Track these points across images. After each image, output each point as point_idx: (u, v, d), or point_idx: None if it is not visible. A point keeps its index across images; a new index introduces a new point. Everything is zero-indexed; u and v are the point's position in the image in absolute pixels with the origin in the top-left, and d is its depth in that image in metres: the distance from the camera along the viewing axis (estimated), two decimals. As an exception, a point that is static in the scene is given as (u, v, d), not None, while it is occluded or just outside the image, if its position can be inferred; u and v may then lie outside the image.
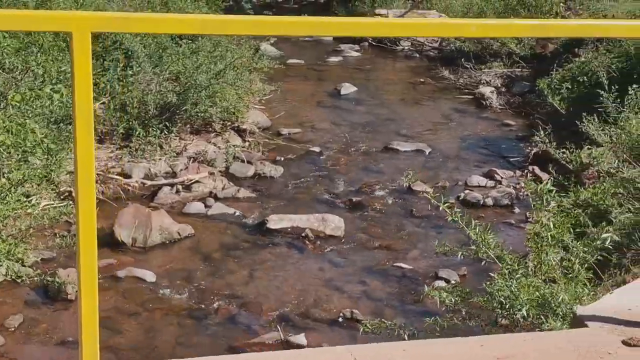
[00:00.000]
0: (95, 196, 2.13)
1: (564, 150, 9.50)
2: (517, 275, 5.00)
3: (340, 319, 6.61)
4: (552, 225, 5.15)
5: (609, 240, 5.58)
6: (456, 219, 5.32)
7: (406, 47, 16.53)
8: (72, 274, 6.67)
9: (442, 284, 7.21)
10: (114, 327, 6.40)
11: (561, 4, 15.40)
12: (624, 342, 2.38)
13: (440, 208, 5.41)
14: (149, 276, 7.04)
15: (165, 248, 7.66)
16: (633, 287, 2.86)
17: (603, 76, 9.61)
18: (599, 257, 5.58)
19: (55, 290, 6.68)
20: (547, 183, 6.05)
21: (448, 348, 2.34)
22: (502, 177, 9.84)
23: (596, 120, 9.35)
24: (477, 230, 5.27)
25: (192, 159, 9.65)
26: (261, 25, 2.11)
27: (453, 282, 7.28)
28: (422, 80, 14.32)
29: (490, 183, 9.69)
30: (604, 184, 8.25)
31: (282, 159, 10.15)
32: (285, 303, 6.82)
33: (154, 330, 6.41)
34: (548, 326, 4.77)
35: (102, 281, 6.95)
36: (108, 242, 7.60)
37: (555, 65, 12.61)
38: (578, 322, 2.54)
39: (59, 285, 6.66)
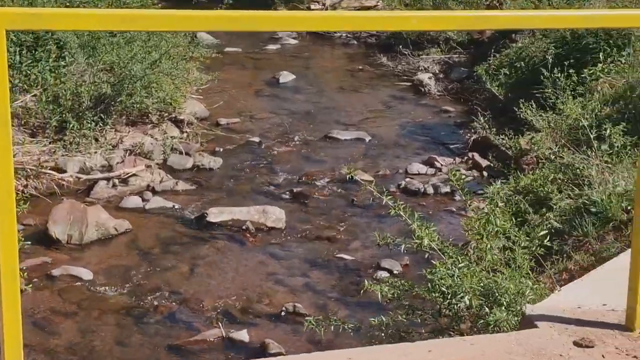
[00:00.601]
0: (14, 193, 2.00)
1: (503, 136, 9.52)
2: (460, 265, 4.94)
3: (282, 314, 6.51)
4: (492, 218, 5.09)
5: (547, 239, 5.57)
6: (399, 212, 5.25)
7: (344, 34, 16.45)
8: None
9: (384, 274, 7.17)
10: (50, 328, 6.21)
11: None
12: (575, 343, 2.32)
13: (384, 202, 5.32)
14: (85, 274, 6.86)
15: (102, 244, 7.47)
16: (580, 283, 2.81)
17: (549, 59, 9.67)
18: (540, 245, 5.58)
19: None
20: (461, 177, 6.01)
21: (395, 355, 2.26)
22: (442, 165, 9.83)
23: (534, 105, 9.37)
24: (420, 223, 5.20)
25: (128, 151, 9.44)
26: (193, 20, 1.99)
27: (396, 272, 7.25)
28: (360, 67, 14.25)
29: (431, 171, 9.68)
30: (543, 169, 8.28)
31: (221, 149, 9.99)
32: (226, 298, 6.70)
33: (91, 330, 6.23)
34: (493, 316, 4.73)
35: (37, 281, 6.76)
36: (42, 239, 7.39)
37: (492, 50, 12.66)
38: (527, 322, 2.47)
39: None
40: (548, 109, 9.45)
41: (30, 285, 6.58)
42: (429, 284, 4.87)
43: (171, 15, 1.97)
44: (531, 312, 2.54)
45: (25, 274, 6.66)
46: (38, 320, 6.26)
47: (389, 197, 5.41)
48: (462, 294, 4.65)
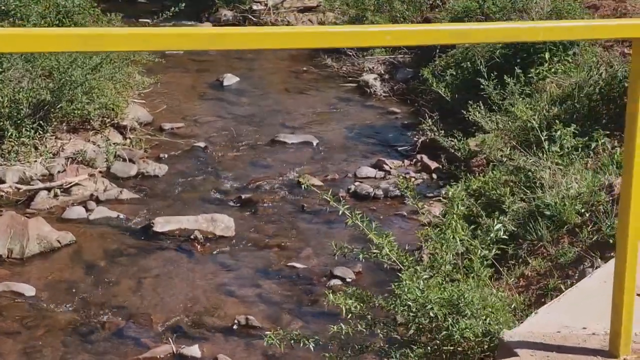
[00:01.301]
0: None
1: (452, 138, 9.45)
2: (423, 275, 4.82)
3: (235, 327, 6.32)
4: (449, 227, 4.99)
5: (502, 232, 5.51)
6: (356, 221, 5.10)
7: (287, 35, 16.28)
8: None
9: (337, 282, 7.04)
10: (-9, 349, 5.93)
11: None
12: (559, 373, 2.20)
13: (340, 212, 5.17)
14: (28, 290, 6.58)
15: (45, 258, 7.19)
16: (557, 305, 2.69)
17: (481, 64, 9.63)
18: (495, 251, 5.50)
19: None
20: (412, 182, 5.97)
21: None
22: (390, 167, 9.73)
23: (482, 107, 9.32)
24: (378, 233, 5.07)
25: (70, 159, 9.14)
26: (147, 39, 1.81)
27: (349, 280, 7.11)
28: (304, 68, 14.10)
29: (380, 174, 9.56)
30: (494, 172, 8.22)
31: (166, 156, 9.75)
32: (175, 312, 6.48)
33: (35, 350, 5.97)
34: (459, 327, 4.62)
35: (-24, 299, 6.46)
36: (-19, 254, 7.09)
37: (437, 51, 12.61)
38: (506, 349, 2.34)
39: None
40: (496, 110, 9.41)
41: (-30, 304, 6.30)
42: (395, 299, 4.73)
43: (141, 34, 1.79)
44: (510, 338, 2.41)
45: (-36, 292, 6.39)
46: (-22, 341, 5.99)
47: (344, 205, 5.26)
48: (429, 306, 4.53)
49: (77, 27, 10.84)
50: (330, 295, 4.97)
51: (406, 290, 4.65)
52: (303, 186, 5.82)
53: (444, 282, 4.90)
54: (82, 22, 10.90)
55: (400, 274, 5.29)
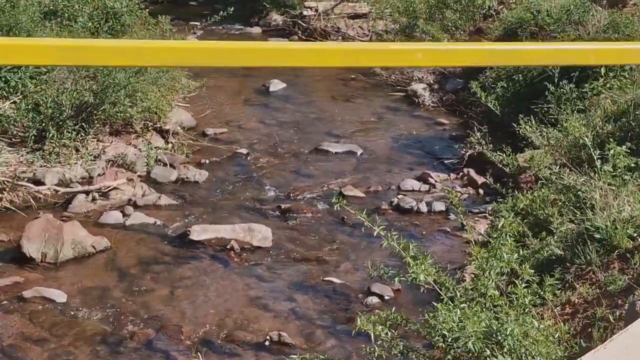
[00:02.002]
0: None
1: (500, 152, 9.16)
2: (461, 304, 4.58)
3: (267, 343, 6.13)
4: (497, 253, 4.73)
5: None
6: (392, 243, 4.88)
7: (336, 41, 16.09)
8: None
9: (375, 300, 6.82)
10: (18, 356, 5.81)
11: (494, -1, 15.12)
12: None
13: (375, 234, 4.96)
14: (59, 296, 6.46)
15: (78, 263, 7.08)
16: (605, 353, 2.45)
17: (553, 73, 9.32)
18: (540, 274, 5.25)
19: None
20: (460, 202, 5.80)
21: None
22: (436, 181, 9.47)
23: (533, 121, 9.02)
24: (415, 255, 4.84)
25: (110, 162, 9.05)
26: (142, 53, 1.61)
27: (387, 297, 6.88)
28: (352, 76, 13.89)
29: (424, 187, 9.31)
30: (543, 190, 7.93)
31: (207, 161, 9.62)
32: (207, 325, 6.31)
33: (63, 358, 5.84)
34: None
35: (7, 303, 6.37)
36: (15, 257, 7.00)
37: (489, 62, 12.32)
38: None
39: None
40: (548, 124, 9.12)
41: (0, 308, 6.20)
42: (430, 329, 4.50)
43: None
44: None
45: (-5, 295, 6.31)
46: (6, 348, 5.87)
47: (381, 226, 5.04)
48: (465, 339, 4.29)
49: (124, 27, 10.78)
50: (360, 320, 4.73)
51: (441, 320, 4.42)
52: (336, 206, 5.56)
53: (483, 310, 4.65)
54: (129, 23, 10.82)
55: (439, 293, 5.07)
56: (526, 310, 4.75)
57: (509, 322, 4.53)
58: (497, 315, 4.79)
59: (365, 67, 1.62)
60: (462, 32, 14.54)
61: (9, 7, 9.83)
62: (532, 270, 5.07)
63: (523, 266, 5.04)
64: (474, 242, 7.22)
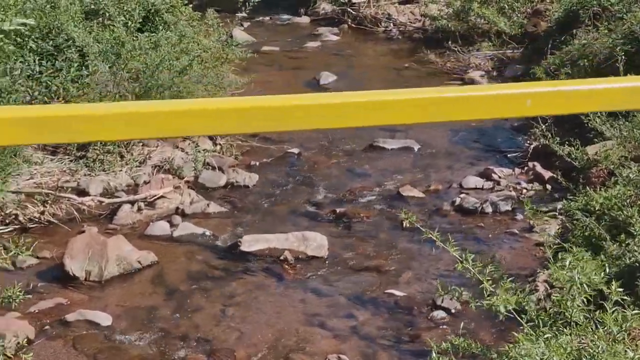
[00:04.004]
0: None
1: (567, 145, 8.58)
2: (544, 334, 4.08)
3: (326, 367, 5.67)
4: (579, 272, 4.21)
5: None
6: (467, 266, 4.38)
7: (387, 28, 15.52)
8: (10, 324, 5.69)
9: (441, 314, 6.31)
10: (61, 388, 5.45)
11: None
12: None
13: (452, 252, 4.46)
14: (104, 319, 6.07)
15: (124, 281, 6.68)
16: None
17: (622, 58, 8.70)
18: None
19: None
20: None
21: None
22: (499, 177, 8.90)
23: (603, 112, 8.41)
24: (493, 281, 4.34)
25: (156, 167, 8.66)
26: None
27: (454, 311, 6.37)
28: (406, 65, 13.35)
29: (488, 184, 8.75)
30: (618, 186, 7.35)
31: (257, 163, 9.18)
32: (261, 347, 5.87)
33: (108, 389, 5.46)
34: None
35: (49, 328, 6.00)
36: (57, 276, 6.63)
37: (549, 45, 11.67)
38: None
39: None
40: (618, 114, 8.50)
41: (42, 334, 5.84)
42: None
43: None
44: None
45: (37, 320, 5.94)
46: (48, 379, 5.51)
47: (455, 248, 4.54)
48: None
49: (167, 25, 10.37)
50: (433, 354, 4.24)
51: (524, 353, 3.91)
52: (405, 223, 5.08)
53: (568, 339, 4.14)
54: (172, 21, 10.41)
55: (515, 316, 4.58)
56: (617, 338, 4.23)
57: (599, 353, 4.02)
58: (582, 342, 4.28)
59: (459, 120, 1.24)
60: (518, 15, 13.87)
61: (50, 8, 9.48)
62: (621, 289, 4.52)
63: (611, 286, 4.50)
64: (546, 247, 6.67)
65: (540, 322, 4.26)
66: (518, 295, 4.47)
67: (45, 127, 1.10)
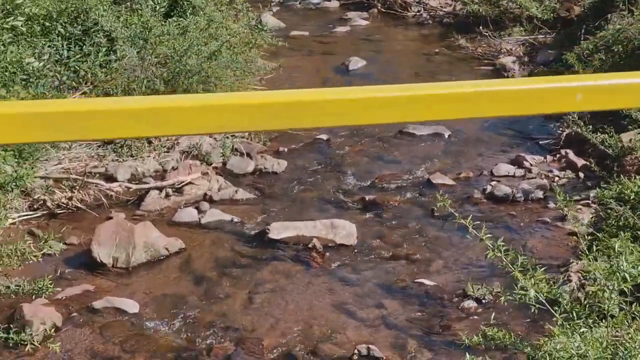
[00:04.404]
0: None
1: (601, 132, 8.42)
2: (579, 328, 3.97)
3: (355, 357, 5.59)
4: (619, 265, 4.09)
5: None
6: (499, 254, 4.28)
7: (418, 13, 15.34)
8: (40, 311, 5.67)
9: (472, 304, 6.21)
10: (88, 376, 5.42)
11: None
12: None
13: (481, 239, 4.36)
14: (131, 306, 6.03)
15: (151, 268, 6.64)
16: None
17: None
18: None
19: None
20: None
21: None
22: (531, 164, 8.76)
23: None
24: (524, 270, 4.23)
25: (184, 153, 8.60)
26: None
27: (485, 301, 6.26)
28: (436, 50, 13.17)
29: (519, 172, 8.61)
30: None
31: (286, 150, 9.09)
32: (289, 337, 5.81)
33: (135, 377, 5.42)
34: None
35: (77, 315, 5.97)
36: (85, 262, 6.60)
37: (583, 31, 11.47)
38: None
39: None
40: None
41: (69, 321, 5.81)
42: (546, 355, 3.90)
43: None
44: None
45: (65, 307, 5.92)
46: (75, 367, 5.48)
47: (487, 235, 4.43)
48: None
49: (195, 9, 10.29)
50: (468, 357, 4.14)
51: (559, 347, 3.81)
52: (440, 204, 4.97)
53: (607, 332, 4.03)
54: (200, 4, 10.33)
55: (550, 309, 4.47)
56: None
57: (636, 347, 3.90)
58: (618, 336, 4.17)
59: (499, 116, 1.17)
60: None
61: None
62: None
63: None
64: (580, 237, 6.55)
65: (575, 314, 4.15)
66: (551, 285, 4.36)
67: (61, 123, 1.02)
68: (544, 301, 4.23)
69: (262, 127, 1.19)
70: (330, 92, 1.19)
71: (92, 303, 6.04)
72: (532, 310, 4.40)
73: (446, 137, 9.60)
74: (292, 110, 1.16)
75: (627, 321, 4.19)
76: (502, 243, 4.47)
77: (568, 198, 7.48)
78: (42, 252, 6.35)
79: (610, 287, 4.30)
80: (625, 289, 4.35)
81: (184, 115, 1.13)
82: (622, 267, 4.09)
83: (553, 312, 4.21)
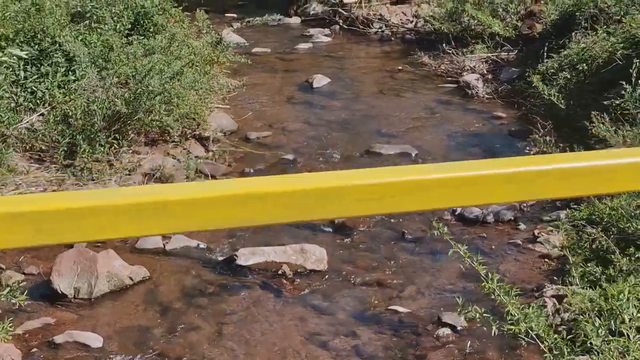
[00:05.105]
0: None
1: (569, 152, 8.34)
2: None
3: (329, 390, 5.41)
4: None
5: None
6: (492, 286, 4.13)
7: (379, 29, 15.26)
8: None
9: (447, 332, 6.06)
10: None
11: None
12: None
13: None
14: (94, 340, 5.78)
15: (115, 298, 6.39)
16: None
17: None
18: None
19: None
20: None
21: None
22: (500, 184, 8.65)
23: (607, 118, 8.17)
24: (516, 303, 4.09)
25: (147, 175, 8.37)
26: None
27: (460, 328, 6.11)
28: (399, 67, 13.08)
29: (488, 192, 8.49)
30: (624, 196, 7.11)
31: (251, 170, 8.90)
32: (261, 370, 5.61)
33: (100, 416, 5.18)
34: None
35: (37, 351, 5.70)
36: (45, 294, 6.32)
37: (546, 48, 11.44)
38: None
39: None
40: (622, 120, 8.28)
41: (29, 358, 5.55)
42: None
43: None
44: None
45: (24, 342, 5.65)
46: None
47: (483, 267, 4.29)
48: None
49: (157, 28, 10.08)
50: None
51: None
52: (437, 232, 4.81)
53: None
54: (162, 23, 10.12)
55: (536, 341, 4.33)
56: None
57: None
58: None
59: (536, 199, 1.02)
60: (512, 17, 13.62)
61: (35, 11, 9.17)
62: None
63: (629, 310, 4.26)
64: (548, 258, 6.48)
65: (557, 348, 4.02)
66: (529, 313, 4.22)
67: (43, 225, 0.84)
68: (534, 336, 4.09)
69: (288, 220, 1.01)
70: (365, 174, 1.02)
71: (53, 337, 5.78)
72: (506, 336, 4.26)
73: (413, 156, 9.48)
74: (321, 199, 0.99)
75: (613, 356, 4.07)
76: (482, 260, 4.32)
77: (534, 218, 7.43)
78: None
79: (593, 320, 4.18)
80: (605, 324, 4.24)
81: (193, 208, 0.95)
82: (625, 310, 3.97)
83: (528, 340, 4.07)
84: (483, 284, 4.30)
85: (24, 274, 6.55)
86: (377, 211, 1.05)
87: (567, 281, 6.13)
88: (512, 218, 7.94)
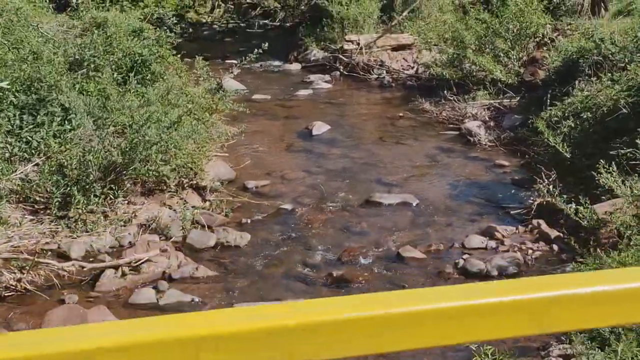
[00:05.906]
0: None
1: (574, 202, 8.17)
2: None
3: None
4: None
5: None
6: None
7: (380, 76, 15.17)
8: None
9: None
10: None
11: (547, 26, 14.13)
12: None
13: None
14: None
15: None
16: None
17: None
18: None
19: None
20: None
21: None
22: (503, 236, 8.47)
23: (614, 168, 7.98)
24: None
25: (142, 227, 8.19)
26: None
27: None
28: (400, 114, 12.97)
29: (492, 243, 8.31)
30: (632, 250, 6.93)
31: (249, 221, 8.72)
32: None
33: None
34: None
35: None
36: (34, 352, 6.11)
37: (549, 95, 11.32)
38: None
39: None
40: (630, 170, 8.12)
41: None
42: None
43: None
44: None
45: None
46: None
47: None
48: None
49: (155, 76, 9.98)
50: None
51: None
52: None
53: None
54: (160, 71, 10.01)
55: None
56: None
57: None
58: None
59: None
60: (514, 63, 13.53)
61: (32, 59, 9.08)
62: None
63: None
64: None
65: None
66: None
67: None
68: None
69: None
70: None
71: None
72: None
73: (414, 205, 9.31)
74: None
75: None
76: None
77: (538, 272, 7.21)
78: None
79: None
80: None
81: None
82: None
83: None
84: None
85: (13, 330, 6.34)
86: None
87: (575, 340, 5.93)
88: (516, 271, 7.75)
